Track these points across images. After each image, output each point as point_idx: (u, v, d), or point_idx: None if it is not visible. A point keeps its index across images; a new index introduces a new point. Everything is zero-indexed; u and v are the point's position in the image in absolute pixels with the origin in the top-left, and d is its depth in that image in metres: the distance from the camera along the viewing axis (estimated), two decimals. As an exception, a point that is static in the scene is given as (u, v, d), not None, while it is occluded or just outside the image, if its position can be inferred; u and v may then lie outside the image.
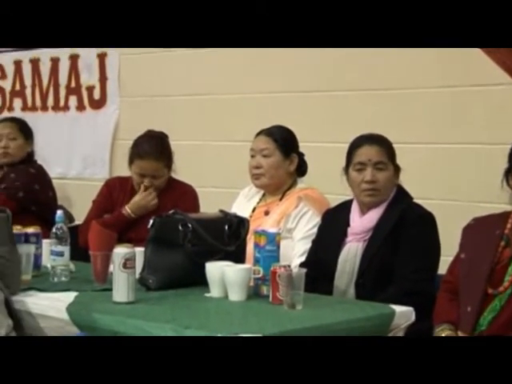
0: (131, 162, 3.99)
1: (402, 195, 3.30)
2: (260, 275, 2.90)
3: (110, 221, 3.86)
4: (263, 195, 3.73)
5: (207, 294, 2.93)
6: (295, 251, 3.47)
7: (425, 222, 3.22)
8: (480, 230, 2.97)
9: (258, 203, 3.72)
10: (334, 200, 3.58)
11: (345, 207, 3.37)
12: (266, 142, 3.65)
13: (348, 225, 3.30)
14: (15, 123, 4.83)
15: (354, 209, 3.33)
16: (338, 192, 3.61)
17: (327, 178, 3.85)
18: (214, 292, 2.92)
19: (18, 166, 4.70)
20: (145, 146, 3.97)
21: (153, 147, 3.97)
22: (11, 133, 4.75)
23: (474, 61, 3.69)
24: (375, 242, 3.20)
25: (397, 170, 3.31)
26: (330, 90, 4.47)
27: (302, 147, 3.75)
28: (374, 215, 3.26)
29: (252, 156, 3.68)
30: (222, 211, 3.27)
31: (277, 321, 2.60)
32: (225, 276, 2.87)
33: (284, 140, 3.66)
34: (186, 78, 5.06)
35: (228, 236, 3.15)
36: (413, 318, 2.80)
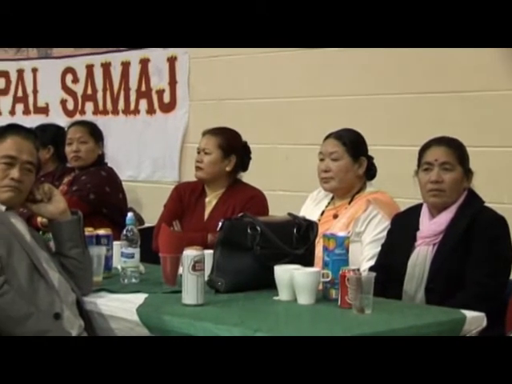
0: None
1: (472, 199, 3.25)
2: (329, 279, 2.89)
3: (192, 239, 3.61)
4: (332, 199, 3.71)
5: (276, 298, 2.93)
6: (364, 255, 3.44)
7: (497, 226, 3.17)
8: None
9: (327, 207, 3.70)
10: (404, 204, 3.55)
11: (414, 211, 3.34)
12: (335, 146, 3.62)
13: (417, 229, 3.26)
14: (86, 127, 4.86)
15: (424, 212, 3.29)
16: (408, 196, 3.58)
17: (397, 182, 3.83)
18: (283, 295, 2.92)
19: (89, 169, 4.74)
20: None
21: (216, 128, 4.12)
22: (82, 136, 4.79)
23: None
24: (446, 245, 3.17)
25: (468, 173, 3.27)
26: (401, 93, 4.42)
27: (372, 151, 3.72)
28: (443, 219, 3.22)
29: (321, 159, 3.65)
30: (290, 214, 3.26)
31: (346, 325, 2.59)
32: (293, 279, 2.86)
33: (353, 143, 3.63)
34: (254, 82, 5.06)
35: (297, 239, 3.14)
36: (484, 323, 2.75)
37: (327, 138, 3.68)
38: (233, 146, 4.08)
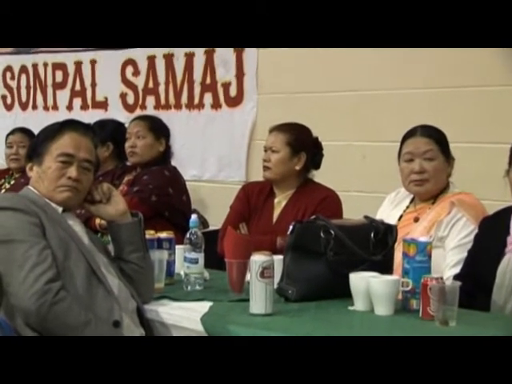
0: None
1: None
2: (409, 288, 2.87)
3: (260, 242, 3.70)
4: (412, 200, 3.67)
5: (351, 307, 2.92)
6: (447, 261, 3.41)
7: None
8: None
9: (406, 209, 3.66)
10: (491, 206, 3.49)
11: (505, 214, 3.28)
12: (428, 144, 3.56)
13: (508, 233, 3.21)
14: (145, 121, 4.90)
15: (516, 216, 3.24)
16: (495, 198, 3.53)
17: (483, 182, 3.78)
18: (358, 305, 2.90)
19: (152, 168, 4.76)
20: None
21: (284, 124, 4.12)
22: (140, 131, 4.82)
23: None
24: (540, 252, 3.12)
25: None
26: (488, 85, 4.37)
27: (455, 148, 3.67)
28: (538, 222, 3.17)
29: (409, 160, 3.56)
30: (367, 217, 3.24)
31: (427, 338, 2.56)
32: (370, 288, 2.85)
33: (444, 141, 3.58)
34: (328, 73, 5.04)
35: (374, 244, 3.12)
36: None
37: (412, 135, 3.62)
38: (302, 143, 4.07)
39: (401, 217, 3.64)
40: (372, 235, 3.14)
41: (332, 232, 3.06)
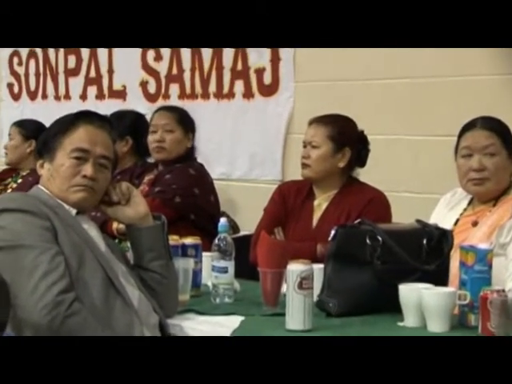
0: None
1: None
2: (467, 301, 2.87)
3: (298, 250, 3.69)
4: (470, 202, 3.66)
5: (400, 323, 2.93)
6: (509, 271, 3.39)
7: None
8: None
9: (463, 212, 3.66)
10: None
11: None
12: (490, 138, 3.54)
13: None
14: (174, 113, 4.90)
15: None
16: None
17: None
18: (409, 320, 2.91)
19: (175, 166, 4.77)
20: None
21: (325, 116, 4.12)
22: (168, 124, 4.82)
23: None
24: None
25: None
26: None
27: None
28: None
29: (468, 155, 3.55)
30: (419, 221, 3.25)
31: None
32: (423, 301, 2.86)
33: (508, 134, 3.56)
34: (374, 59, 5.03)
35: (427, 252, 3.13)
36: None
37: (470, 128, 3.61)
38: (346, 137, 4.08)
39: (457, 221, 3.63)
40: (425, 242, 3.15)
41: (379, 238, 3.07)
